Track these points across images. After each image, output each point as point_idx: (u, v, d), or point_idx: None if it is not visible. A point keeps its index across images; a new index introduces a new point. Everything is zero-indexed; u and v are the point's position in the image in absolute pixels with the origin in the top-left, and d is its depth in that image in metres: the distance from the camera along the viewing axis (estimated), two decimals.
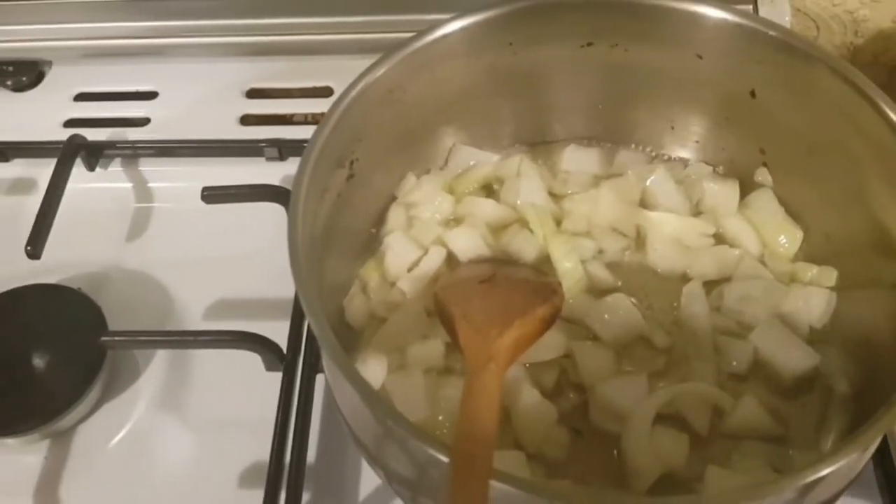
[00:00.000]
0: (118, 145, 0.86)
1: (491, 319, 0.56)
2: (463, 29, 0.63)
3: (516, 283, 0.63)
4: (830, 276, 0.64)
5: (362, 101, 0.60)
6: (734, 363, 0.62)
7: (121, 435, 0.71)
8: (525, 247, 0.68)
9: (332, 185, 0.61)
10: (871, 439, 0.48)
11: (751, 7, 0.82)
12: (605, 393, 0.60)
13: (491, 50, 0.66)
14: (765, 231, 0.67)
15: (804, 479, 0.43)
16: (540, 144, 0.75)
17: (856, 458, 0.48)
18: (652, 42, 0.66)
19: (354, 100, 0.59)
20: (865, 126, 0.58)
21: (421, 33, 0.62)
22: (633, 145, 0.75)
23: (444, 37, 0.63)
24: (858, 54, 0.95)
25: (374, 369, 0.61)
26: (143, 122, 0.90)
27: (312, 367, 0.70)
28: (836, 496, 0.51)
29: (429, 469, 0.47)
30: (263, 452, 0.65)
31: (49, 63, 0.96)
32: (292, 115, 0.90)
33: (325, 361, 0.57)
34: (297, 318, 0.72)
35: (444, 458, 0.43)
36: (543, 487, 0.45)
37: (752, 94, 0.66)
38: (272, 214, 0.78)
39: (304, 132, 0.80)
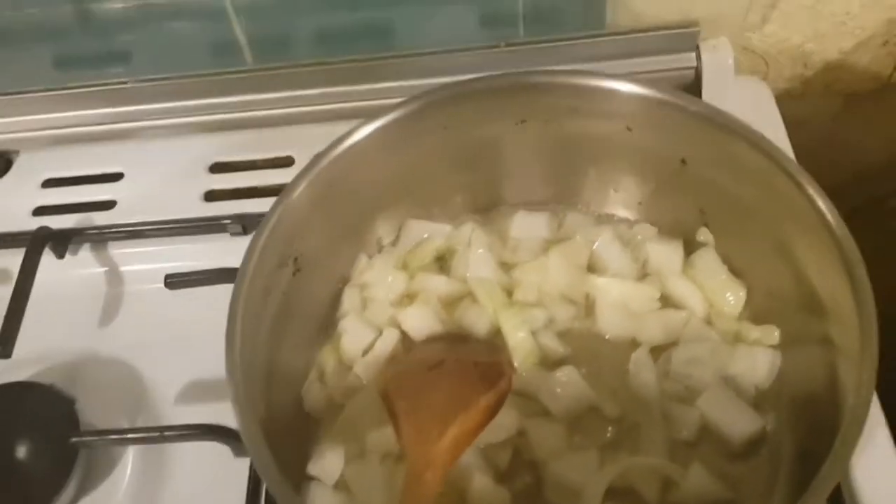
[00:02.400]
0: (86, 231, 0.87)
1: (433, 417, 0.57)
2: (395, 120, 0.64)
3: (465, 367, 0.64)
4: (773, 334, 0.65)
5: (297, 204, 0.62)
6: (682, 431, 0.62)
7: None
8: (477, 321, 0.68)
9: (275, 286, 0.62)
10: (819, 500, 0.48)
11: (693, 54, 0.83)
12: (557, 470, 0.61)
13: (425, 134, 0.67)
14: (709, 290, 0.68)
15: None
16: (492, 210, 0.76)
17: None
18: (582, 116, 0.67)
19: (288, 206, 0.61)
20: (783, 191, 0.59)
21: (353, 129, 0.63)
22: (581, 206, 0.75)
23: (380, 129, 0.64)
24: (810, 85, 0.95)
25: (331, 462, 0.62)
26: (110, 204, 0.91)
27: None
28: None
29: None
30: None
31: (17, 152, 0.97)
32: (257, 187, 0.91)
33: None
34: None
35: None
36: None
37: (683, 161, 0.67)
38: None
39: (267, 204, 0.80)
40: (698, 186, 0.67)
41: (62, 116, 0.94)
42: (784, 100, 0.90)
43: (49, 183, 0.95)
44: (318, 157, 0.62)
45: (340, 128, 0.66)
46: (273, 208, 0.60)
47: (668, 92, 0.62)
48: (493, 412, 0.61)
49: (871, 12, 0.86)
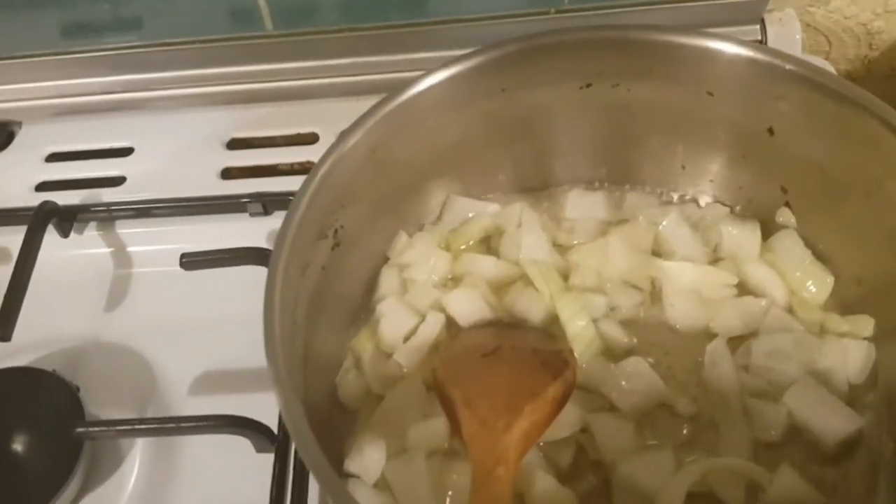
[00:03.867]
0: (92, 209, 0.82)
1: (497, 407, 0.50)
2: (448, 80, 0.58)
3: (524, 355, 0.58)
4: (867, 325, 0.59)
5: (341, 167, 0.56)
6: (768, 430, 0.57)
7: None
8: (531, 307, 0.63)
9: (314, 259, 0.56)
10: None
11: (758, 27, 0.77)
12: (628, 472, 0.55)
13: (482, 98, 0.62)
14: (791, 277, 0.62)
15: None
16: (541, 190, 0.70)
17: None
18: (657, 80, 0.61)
19: (332, 167, 0.55)
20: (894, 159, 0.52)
21: (401, 88, 0.57)
22: (642, 187, 0.70)
23: (428, 90, 0.58)
24: (874, 67, 0.89)
25: (370, 457, 0.56)
26: (119, 181, 0.86)
27: None
28: None
29: None
30: None
31: (19, 123, 0.92)
32: (277, 165, 0.85)
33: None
34: None
35: None
36: None
37: (770, 131, 0.61)
38: (258, 276, 0.70)
39: (290, 183, 0.81)
40: (784, 160, 0.61)
41: (68, 84, 0.89)
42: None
43: (53, 157, 0.90)
44: (366, 115, 0.57)
45: (369, 103, 0.61)
46: (315, 169, 0.53)
47: (765, 49, 0.56)
48: (560, 404, 0.54)
49: None
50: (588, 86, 0.62)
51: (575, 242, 0.66)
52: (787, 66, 0.55)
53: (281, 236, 0.51)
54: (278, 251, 0.50)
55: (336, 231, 0.58)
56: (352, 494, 0.43)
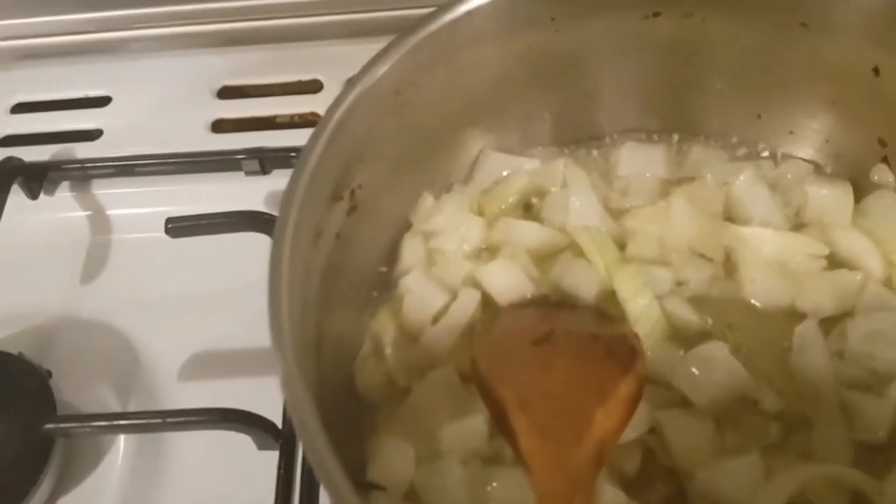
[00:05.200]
0: (64, 166, 0.77)
1: (562, 412, 0.42)
2: (494, 2, 0.49)
3: (583, 343, 0.49)
4: None
5: (360, 112, 0.48)
6: (872, 429, 0.49)
7: None
8: (582, 282, 0.55)
9: (328, 225, 0.49)
10: None
11: None
12: (708, 480, 0.48)
13: (527, 28, 0.54)
14: (890, 246, 0.55)
15: None
16: (588, 144, 0.63)
17: None
18: (741, 9, 0.53)
19: (348, 112, 0.47)
20: None
21: (440, 10, 0.49)
22: (708, 139, 0.62)
23: (470, 14, 0.50)
24: None
25: (397, 463, 0.49)
26: (95, 134, 0.81)
27: None
28: None
29: None
30: None
31: None
32: (275, 117, 0.80)
33: None
34: None
35: None
36: None
37: (876, 70, 0.53)
38: (257, 244, 0.65)
39: (290, 138, 0.75)
40: (889, 106, 0.53)
41: (33, 22, 0.83)
42: None
43: (19, 108, 0.85)
44: (391, 47, 0.49)
45: (378, 46, 0.53)
46: (329, 114, 0.45)
47: None
48: (634, 405, 0.46)
49: None
50: (655, 15, 0.54)
51: (630, 205, 0.59)
52: None
53: (288, 196, 0.43)
54: (285, 214, 0.42)
55: (353, 192, 0.50)
56: None
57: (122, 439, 0.64)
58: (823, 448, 0.49)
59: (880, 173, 0.57)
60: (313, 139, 0.44)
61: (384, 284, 0.58)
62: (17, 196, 0.73)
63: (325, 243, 0.48)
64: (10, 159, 0.74)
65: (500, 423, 0.45)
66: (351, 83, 0.46)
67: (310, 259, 0.44)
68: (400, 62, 0.49)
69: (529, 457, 0.41)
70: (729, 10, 0.53)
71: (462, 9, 0.49)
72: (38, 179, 0.76)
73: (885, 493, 0.46)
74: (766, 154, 0.61)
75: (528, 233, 0.58)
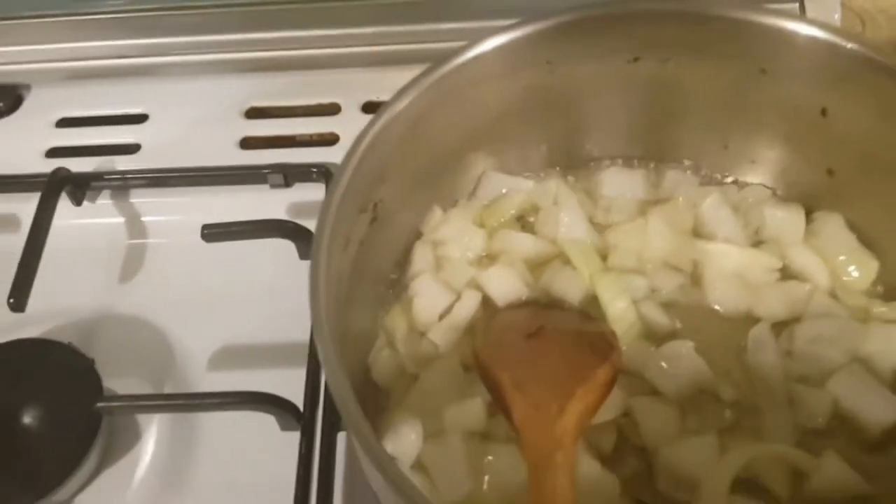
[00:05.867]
0: (106, 176, 0.81)
1: (549, 390, 0.49)
2: (495, 50, 0.57)
3: (569, 337, 0.57)
4: None
5: (383, 138, 0.54)
6: (813, 417, 0.56)
7: None
8: (569, 287, 0.62)
9: (354, 234, 0.55)
10: None
11: (797, 6, 0.75)
12: (672, 457, 0.54)
13: (526, 69, 0.61)
14: (835, 262, 0.62)
15: None
16: (577, 167, 0.69)
17: None
18: (709, 56, 0.60)
19: (375, 139, 0.53)
20: None
21: (452, 54, 0.56)
22: (681, 166, 0.68)
23: (474, 59, 0.57)
24: None
25: (407, 438, 0.55)
26: (134, 148, 0.85)
27: (333, 425, 0.64)
28: None
29: None
30: None
31: (28, 87, 0.91)
32: (296, 136, 0.84)
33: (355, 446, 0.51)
34: (314, 367, 0.67)
35: None
36: None
37: (823, 112, 0.59)
38: (280, 249, 0.74)
39: (311, 155, 0.80)
40: (835, 142, 0.60)
41: (80, 47, 0.88)
42: None
43: (64, 122, 0.89)
44: (410, 85, 0.55)
45: (394, 74, 0.60)
46: (359, 140, 0.52)
47: (823, 26, 0.54)
48: (609, 388, 0.53)
49: None
50: (636, 60, 0.61)
51: (612, 222, 0.65)
52: (849, 46, 0.54)
53: (325, 210, 0.49)
54: (323, 225, 0.48)
55: (375, 205, 0.57)
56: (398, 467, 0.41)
57: (156, 420, 0.68)
58: (771, 432, 0.55)
59: (829, 199, 0.63)
60: (346, 161, 0.50)
61: (397, 286, 0.64)
62: (63, 203, 0.78)
63: (352, 249, 0.54)
64: (59, 170, 0.79)
65: (498, 402, 0.53)
66: (377, 115, 0.53)
67: (341, 263, 0.51)
68: (418, 98, 0.56)
69: (521, 425, 0.48)
70: (699, 57, 0.60)
71: (471, 54, 0.56)
72: (82, 188, 0.80)
73: (820, 469, 0.53)
74: (730, 180, 0.68)
75: (524, 243, 0.64)
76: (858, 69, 0.55)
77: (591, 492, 0.52)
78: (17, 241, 0.74)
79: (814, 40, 0.55)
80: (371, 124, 0.52)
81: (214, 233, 0.71)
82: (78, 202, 0.80)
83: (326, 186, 0.77)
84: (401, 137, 0.57)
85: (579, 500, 0.51)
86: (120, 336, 0.73)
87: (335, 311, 0.48)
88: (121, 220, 0.80)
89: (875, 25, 0.86)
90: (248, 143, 0.84)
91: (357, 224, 0.55)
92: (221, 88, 0.88)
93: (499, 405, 0.53)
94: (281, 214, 0.76)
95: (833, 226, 0.63)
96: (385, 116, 0.53)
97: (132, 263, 0.79)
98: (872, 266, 0.61)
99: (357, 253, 0.55)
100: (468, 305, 0.61)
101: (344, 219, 0.51)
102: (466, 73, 0.57)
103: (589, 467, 0.52)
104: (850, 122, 0.58)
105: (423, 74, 0.55)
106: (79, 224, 0.80)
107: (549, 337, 0.56)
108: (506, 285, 0.62)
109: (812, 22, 0.55)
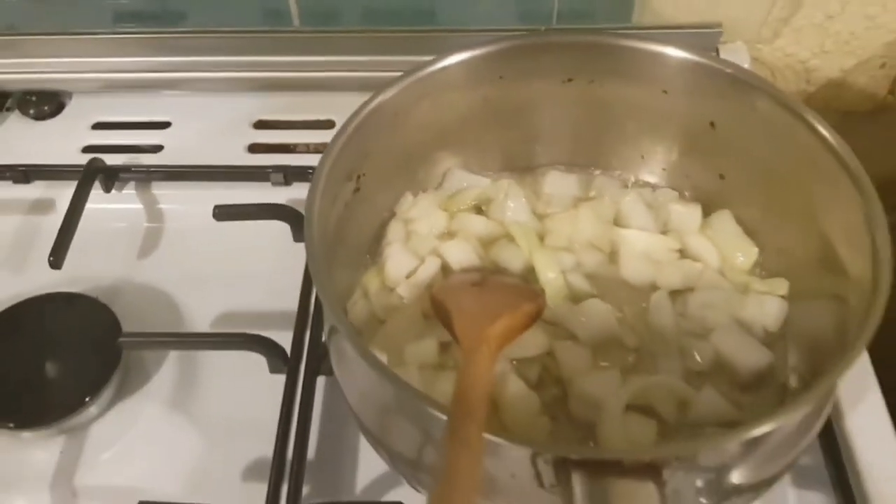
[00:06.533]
0: (133, 169, 0.92)
1: (483, 312, 0.62)
2: (461, 62, 0.70)
3: (504, 286, 0.70)
4: (782, 286, 0.71)
5: (371, 120, 0.67)
6: (697, 360, 0.67)
7: (133, 432, 0.75)
8: (512, 259, 0.74)
9: (341, 195, 0.67)
10: (807, 400, 0.54)
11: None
12: (582, 385, 0.65)
13: (485, 82, 0.73)
14: (724, 248, 0.74)
15: (747, 433, 0.49)
16: (526, 170, 0.81)
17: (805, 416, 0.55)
18: (623, 78, 0.73)
19: (365, 119, 0.66)
20: (808, 150, 0.65)
21: (425, 63, 0.69)
22: (609, 171, 0.81)
23: (445, 68, 0.70)
24: (811, 101, 1.04)
25: None
26: (157, 149, 0.96)
27: (314, 371, 0.75)
28: (784, 467, 0.58)
29: (431, 433, 0.53)
30: (267, 449, 0.70)
31: (69, 94, 1.02)
32: (296, 145, 0.95)
33: (335, 344, 0.63)
34: (301, 326, 0.78)
35: (443, 416, 0.50)
36: (527, 440, 0.51)
37: (712, 125, 0.72)
38: (275, 235, 0.84)
39: (307, 160, 0.91)
40: (722, 150, 0.73)
41: (116, 62, 0.98)
42: None
43: (99, 125, 1.00)
44: (393, 82, 0.68)
45: None
46: (350, 120, 0.65)
47: (706, 55, 0.70)
48: (531, 319, 0.66)
49: (873, 34, 0.96)
50: (569, 80, 0.74)
51: (551, 212, 0.77)
52: (727, 70, 0.69)
53: (320, 168, 0.62)
54: (318, 178, 0.61)
55: (359, 177, 0.69)
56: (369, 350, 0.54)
57: (167, 359, 0.78)
58: (663, 371, 0.67)
59: (722, 198, 0.76)
60: (337, 135, 0.63)
61: (374, 252, 0.75)
62: (95, 190, 0.88)
63: (338, 207, 0.66)
64: (94, 160, 0.90)
65: (446, 324, 0.65)
66: (364, 104, 0.67)
67: (329, 211, 0.62)
68: (397, 94, 0.68)
69: (459, 333, 0.61)
70: (615, 79, 0.73)
71: (439, 65, 0.69)
72: (112, 178, 0.90)
73: (700, 398, 0.64)
74: (645, 183, 0.80)
75: (478, 224, 0.75)
76: (733, 88, 0.69)
77: (516, 405, 0.64)
78: (54, 221, 0.85)
79: (699, 65, 0.70)
80: (359, 110, 0.65)
81: (224, 212, 0.82)
82: (107, 190, 0.91)
83: None
84: (382, 125, 0.68)
85: (507, 413, 0.65)
86: (137, 299, 0.83)
87: (322, 243, 0.60)
88: (141, 206, 0.91)
89: (783, 78, 1.03)
90: (254, 149, 0.95)
91: (343, 189, 0.67)
92: (234, 103, 0.99)
93: (446, 327, 0.65)
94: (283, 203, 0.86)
95: (724, 220, 0.75)
96: (370, 105, 0.66)
97: (150, 243, 0.89)
98: (753, 252, 0.74)
99: (342, 213, 0.67)
100: (430, 268, 0.72)
101: (333, 180, 0.63)
102: (436, 80, 0.70)
103: (516, 387, 0.64)
104: (732, 133, 0.72)
105: (401, 77, 0.69)
106: (107, 208, 0.90)
107: (490, 285, 0.69)
108: (461, 254, 0.73)
109: (697, 51, 0.70)
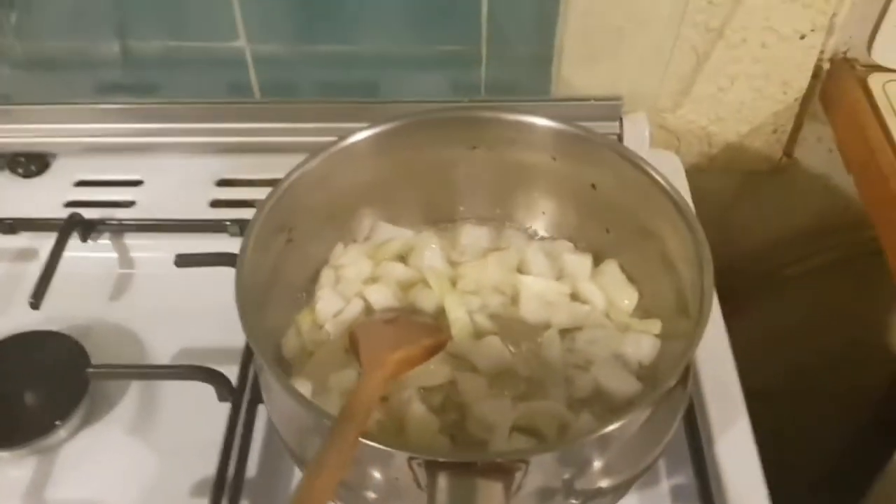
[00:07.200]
0: (107, 222, 1.01)
1: (386, 343, 0.74)
2: (375, 135, 0.82)
3: (414, 324, 0.81)
4: (656, 325, 0.82)
5: (299, 184, 0.78)
6: (579, 390, 0.76)
7: (98, 453, 0.83)
8: (426, 301, 0.83)
9: (273, 245, 0.77)
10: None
11: (617, 123, 1.03)
12: (479, 410, 0.74)
13: (399, 150, 0.83)
14: (610, 293, 0.83)
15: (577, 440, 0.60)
16: (446, 222, 0.91)
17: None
18: (518, 147, 0.83)
19: (292, 183, 0.78)
20: (653, 198, 0.76)
21: (342, 137, 0.81)
22: (516, 224, 0.91)
23: (362, 140, 0.81)
24: (714, 162, 1.16)
25: (302, 391, 0.76)
26: (130, 204, 1.05)
27: (255, 399, 0.85)
28: (638, 472, 0.68)
29: None
30: (212, 469, 0.78)
31: (54, 155, 1.11)
32: (253, 201, 1.03)
33: (263, 377, 0.74)
34: (246, 360, 0.88)
35: None
36: (398, 442, 0.61)
37: (593, 186, 0.82)
38: (229, 279, 0.87)
39: None
40: (605, 208, 0.83)
41: (97, 127, 1.08)
42: (693, 173, 1.10)
43: (80, 183, 1.09)
44: (318, 151, 0.80)
45: None
46: (280, 183, 0.77)
47: (582, 129, 0.82)
48: (432, 352, 0.77)
49: (761, 104, 1.08)
50: (474, 148, 0.84)
51: (463, 260, 0.86)
52: (593, 138, 0.81)
53: (252, 222, 0.74)
54: (250, 231, 0.72)
55: (290, 229, 0.78)
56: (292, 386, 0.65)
57: (129, 392, 0.87)
58: (550, 398, 0.76)
59: (608, 249, 0.86)
60: (270, 195, 0.74)
61: (307, 294, 0.84)
62: (73, 239, 0.98)
63: (271, 256, 0.76)
64: (74, 214, 1.00)
65: (356, 353, 0.76)
66: (296, 168, 0.78)
67: (261, 260, 0.72)
68: (322, 162, 0.79)
69: (363, 358, 0.73)
70: (512, 147, 0.83)
71: (359, 136, 0.80)
72: (89, 230, 0.99)
73: (577, 421, 0.74)
74: (544, 235, 0.90)
75: (398, 270, 0.84)
76: (607, 156, 0.80)
77: (418, 426, 0.74)
78: (37, 268, 0.95)
79: (576, 136, 0.81)
80: (289, 175, 0.77)
81: (184, 260, 0.92)
82: (84, 240, 1.00)
83: None
84: (311, 186, 0.77)
85: (410, 432, 0.75)
86: (106, 337, 0.91)
87: (252, 289, 0.71)
88: (115, 254, 1.00)
89: (687, 142, 1.15)
90: (216, 204, 1.04)
91: (276, 240, 0.77)
92: (200, 163, 1.08)
93: (356, 356, 0.76)
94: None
95: (611, 268, 0.85)
96: (299, 171, 0.78)
97: (121, 286, 0.98)
98: (635, 297, 0.84)
99: (275, 261, 0.77)
100: (354, 308, 0.81)
101: (265, 233, 0.73)
102: (354, 149, 0.81)
103: (419, 410, 0.74)
104: (609, 192, 0.82)
105: (324, 147, 0.80)
106: (84, 256, 0.99)
107: (400, 323, 0.80)
108: (382, 296, 0.82)
109: (573, 125, 0.81)
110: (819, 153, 1.15)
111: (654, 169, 0.77)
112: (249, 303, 0.70)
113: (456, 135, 0.85)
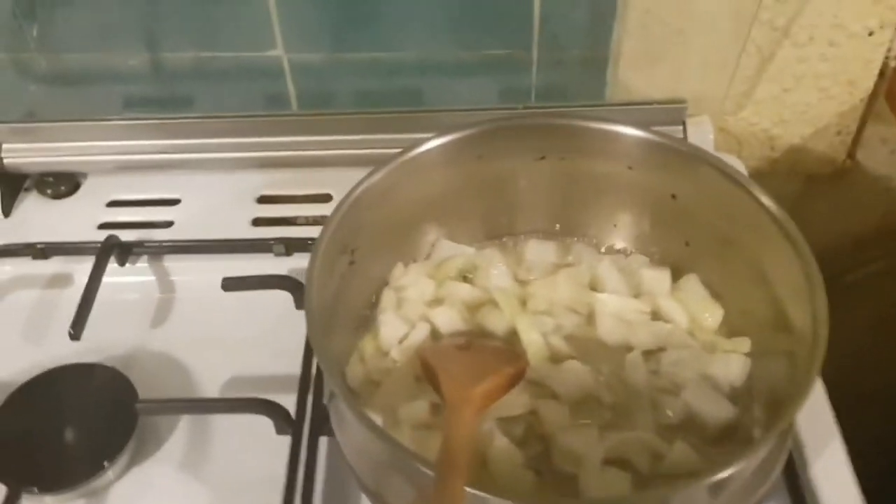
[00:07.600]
0: (146, 244, 0.97)
1: (467, 374, 0.69)
2: (441, 145, 0.77)
3: (488, 349, 0.76)
4: (745, 344, 0.77)
5: (363, 199, 0.74)
6: (669, 415, 0.72)
7: (149, 494, 0.78)
8: (496, 323, 0.79)
9: (337, 267, 0.73)
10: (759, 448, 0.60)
11: (681, 127, 0.98)
12: (563, 441, 0.70)
13: (465, 161, 0.79)
14: (692, 309, 0.79)
15: (709, 478, 0.55)
16: (508, 238, 0.87)
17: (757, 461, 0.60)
18: (592, 156, 0.79)
19: (357, 199, 0.73)
20: (753, 217, 0.72)
21: (409, 147, 0.77)
22: (585, 239, 0.87)
23: (428, 150, 0.77)
24: (776, 165, 1.11)
25: None
26: (168, 224, 1.01)
27: (317, 431, 0.80)
28: None
29: (422, 487, 0.59)
30: None
31: (84, 175, 1.07)
32: (297, 218, 1.00)
33: (335, 407, 0.69)
34: (304, 388, 0.83)
35: (431, 472, 0.56)
36: (512, 497, 0.57)
37: (673, 196, 0.78)
38: (278, 302, 0.89)
39: (308, 232, 0.97)
40: (685, 220, 0.79)
41: (128, 144, 1.04)
42: (755, 177, 1.04)
43: (113, 203, 1.05)
44: (383, 163, 0.76)
45: None
46: (344, 199, 0.72)
47: (664, 136, 0.77)
48: (514, 381, 0.72)
49: (826, 104, 1.03)
50: (542, 158, 0.80)
51: (532, 278, 0.82)
52: (678, 147, 0.77)
53: (318, 243, 0.69)
54: (316, 253, 0.68)
55: (353, 251, 0.75)
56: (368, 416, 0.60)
57: (179, 427, 0.82)
58: (638, 426, 0.72)
59: (688, 263, 0.82)
60: (333, 214, 0.70)
61: (369, 319, 0.80)
62: (111, 263, 0.93)
63: (335, 278, 0.72)
64: (111, 237, 0.95)
65: (433, 383, 0.71)
66: (360, 183, 0.73)
67: (327, 287, 0.68)
68: (386, 175, 0.74)
69: (445, 391, 0.67)
70: (584, 157, 0.79)
71: (427, 146, 0.76)
72: (126, 253, 0.95)
73: (672, 451, 0.70)
74: (619, 249, 0.86)
75: (464, 291, 0.80)
76: (685, 163, 0.76)
77: (501, 460, 0.69)
78: (71, 294, 0.91)
79: (657, 144, 0.77)
80: (353, 190, 0.72)
81: (231, 283, 0.88)
82: (122, 264, 0.95)
83: None
84: (373, 203, 0.73)
85: (493, 467, 0.70)
86: (151, 366, 0.87)
87: (321, 310, 0.66)
88: (154, 278, 0.95)
89: (749, 145, 1.10)
90: (258, 222, 1.00)
91: (339, 261, 0.73)
92: (238, 180, 1.04)
93: (433, 386, 0.71)
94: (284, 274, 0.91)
95: (692, 283, 0.81)
96: (363, 185, 0.73)
97: (162, 312, 0.93)
98: (719, 313, 0.80)
99: (339, 284, 0.73)
100: (420, 332, 0.77)
101: (330, 254, 0.69)
102: (423, 159, 0.77)
103: (501, 443, 0.69)
104: (692, 204, 0.78)
105: (390, 159, 0.76)
106: (121, 281, 0.95)
107: (475, 348, 0.75)
108: (448, 319, 0.78)
109: (654, 132, 0.77)
110: (882, 155, 1.10)
111: (746, 178, 0.72)
112: (319, 329, 0.64)
113: (526, 143, 0.81)
